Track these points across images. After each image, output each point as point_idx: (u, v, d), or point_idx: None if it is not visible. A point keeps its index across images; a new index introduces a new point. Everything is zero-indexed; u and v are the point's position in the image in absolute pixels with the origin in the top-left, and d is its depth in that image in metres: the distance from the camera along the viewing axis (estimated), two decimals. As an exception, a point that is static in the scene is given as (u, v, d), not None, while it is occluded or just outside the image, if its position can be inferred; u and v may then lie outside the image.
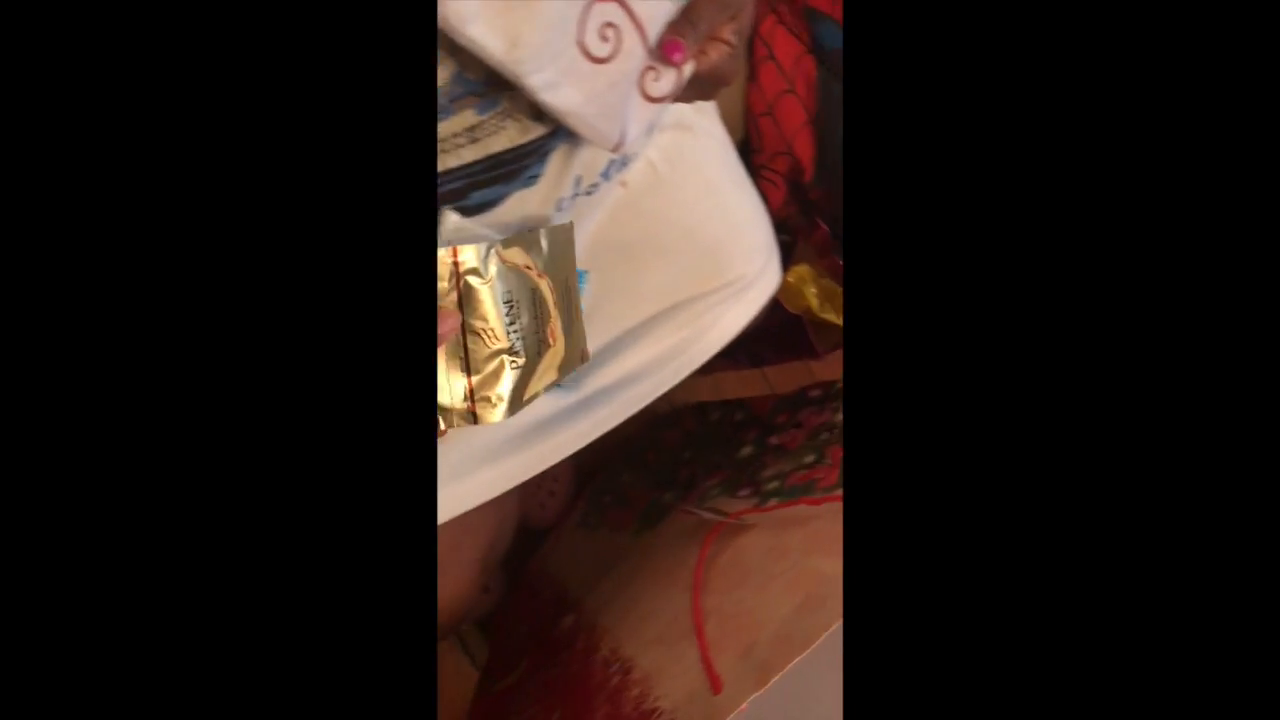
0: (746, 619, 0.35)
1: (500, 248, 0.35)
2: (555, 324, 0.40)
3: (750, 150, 0.64)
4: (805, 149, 0.61)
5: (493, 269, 0.34)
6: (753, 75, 0.59)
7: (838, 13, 0.55)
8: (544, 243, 0.38)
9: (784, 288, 0.66)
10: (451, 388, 0.34)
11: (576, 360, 0.42)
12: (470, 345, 0.35)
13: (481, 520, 0.42)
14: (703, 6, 0.33)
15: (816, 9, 0.56)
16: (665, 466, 0.74)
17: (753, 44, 0.58)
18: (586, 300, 0.45)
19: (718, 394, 0.84)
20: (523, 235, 0.37)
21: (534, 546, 0.81)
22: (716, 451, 0.67)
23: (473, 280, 0.33)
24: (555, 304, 0.40)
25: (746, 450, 0.63)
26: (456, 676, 0.75)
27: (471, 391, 0.35)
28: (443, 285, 0.33)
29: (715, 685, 0.31)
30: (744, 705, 0.29)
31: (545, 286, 0.39)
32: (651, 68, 0.33)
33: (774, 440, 0.61)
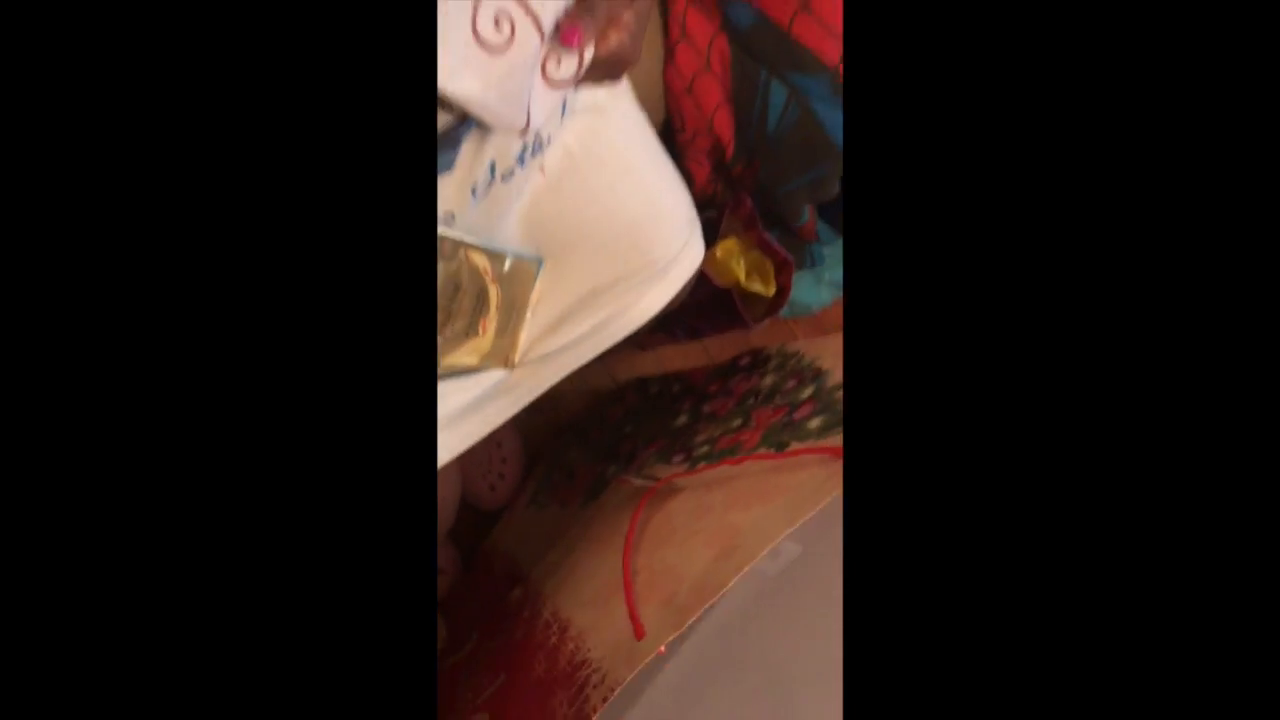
0: (669, 573, 0.38)
1: (468, 248, 0.42)
2: (490, 322, 0.45)
3: (673, 130, 0.65)
4: (725, 126, 0.63)
5: (458, 256, 0.41)
6: (669, 56, 0.60)
7: (746, -7, 0.57)
8: (507, 264, 0.44)
9: (713, 262, 0.68)
10: None
11: (499, 361, 0.46)
12: None
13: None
14: None
15: (727, -11, 0.57)
16: (608, 441, 0.76)
17: (667, 26, 0.60)
18: (539, 289, 0.48)
19: (660, 368, 0.87)
20: (492, 249, 0.43)
21: (487, 528, 0.83)
22: (655, 423, 0.69)
23: (440, 264, 0.40)
24: (496, 308, 0.44)
25: (682, 419, 0.65)
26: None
27: None
28: None
29: (638, 632, 0.33)
30: (662, 648, 0.31)
31: (493, 292, 0.44)
32: (552, 53, 0.35)
33: (707, 408, 0.64)
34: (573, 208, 0.48)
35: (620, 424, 0.77)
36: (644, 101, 0.55)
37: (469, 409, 0.46)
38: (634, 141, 0.51)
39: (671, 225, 0.52)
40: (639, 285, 0.51)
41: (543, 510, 0.76)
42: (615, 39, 0.37)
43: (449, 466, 0.46)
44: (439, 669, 0.61)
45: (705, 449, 0.54)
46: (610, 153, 0.49)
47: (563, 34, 0.34)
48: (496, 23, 0.30)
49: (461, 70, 0.31)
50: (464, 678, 0.50)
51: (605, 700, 0.30)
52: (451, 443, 0.45)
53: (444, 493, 0.47)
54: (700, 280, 0.65)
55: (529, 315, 0.49)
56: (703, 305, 0.71)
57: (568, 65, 0.36)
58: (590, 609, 0.40)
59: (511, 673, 0.42)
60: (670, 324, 0.88)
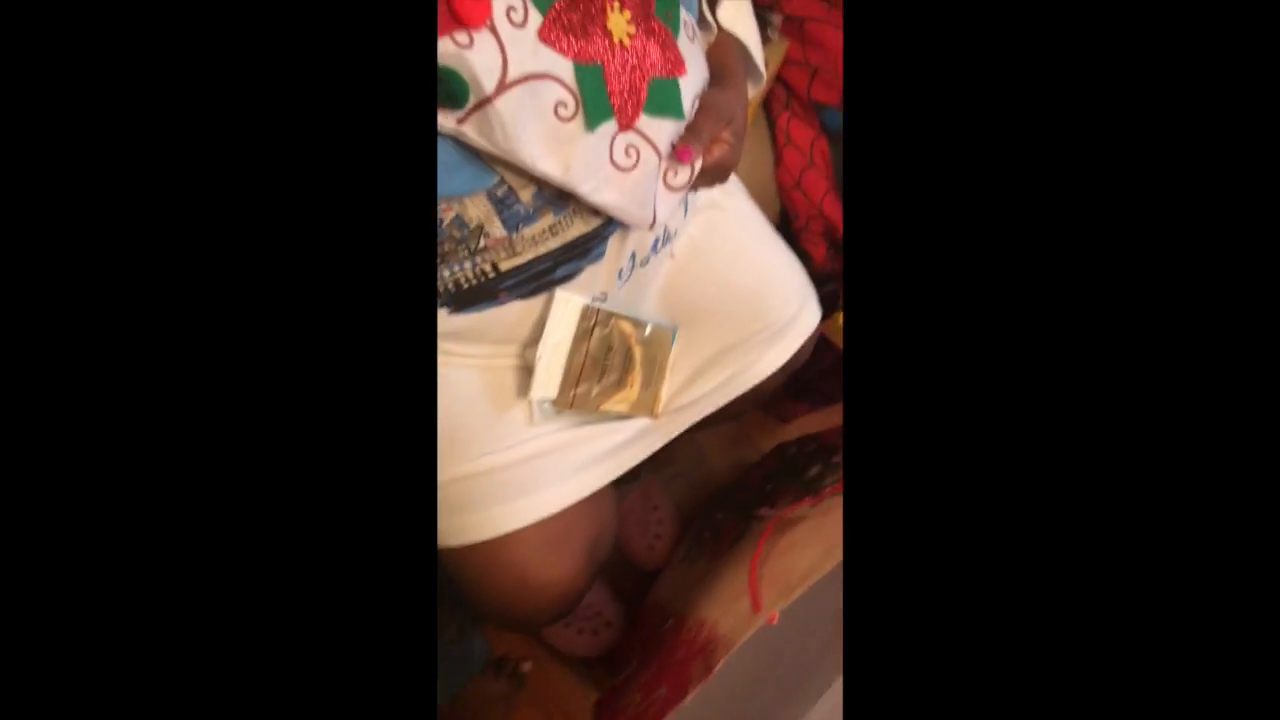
0: (786, 570, 0.44)
1: (617, 317, 0.55)
2: (636, 376, 0.56)
3: (789, 219, 0.76)
4: (834, 210, 0.72)
5: (610, 324, 0.54)
6: (778, 159, 0.72)
7: (836, 99, 0.68)
8: (647, 330, 0.57)
9: (836, 329, 0.76)
10: (547, 381, 0.52)
11: (645, 410, 0.57)
12: (575, 363, 0.52)
13: (583, 517, 0.54)
14: (703, 119, 0.47)
15: (820, 101, 0.69)
16: (751, 499, 0.82)
17: (774, 135, 0.72)
18: (675, 352, 0.59)
19: (800, 434, 0.93)
20: (635, 318, 0.56)
21: (649, 586, 0.91)
22: (791, 478, 0.75)
23: (596, 330, 0.53)
24: (640, 365, 0.56)
25: (814, 470, 0.71)
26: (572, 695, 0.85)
27: (572, 388, 0.53)
28: (585, 324, 0.52)
29: (755, 606, 0.39)
30: (774, 615, 0.38)
31: (638, 352, 0.57)
32: (671, 167, 0.48)
33: (835, 459, 0.69)
34: (699, 284, 0.60)
35: (761, 484, 0.83)
36: (760, 199, 0.67)
37: (619, 447, 0.57)
38: (747, 228, 0.63)
39: (784, 294, 0.62)
40: (759, 345, 0.60)
41: (693, 565, 0.83)
42: (718, 151, 0.49)
43: (604, 492, 0.57)
44: (603, 689, 0.68)
45: (831, 487, 0.60)
46: (727, 238, 0.61)
47: (678, 153, 0.47)
48: (626, 151, 0.44)
49: (603, 188, 0.44)
50: (626, 691, 0.57)
51: (727, 653, 0.36)
52: (605, 473, 0.55)
53: (601, 518, 0.57)
54: (827, 347, 0.72)
55: (668, 374, 0.59)
56: (829, 371, 0.78)
57: (683, 174, 0.48)
58: (722, 605, 0.46)
59: (667, 681, 0.49)
60: (808, 393, 0.94)
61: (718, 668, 0.37)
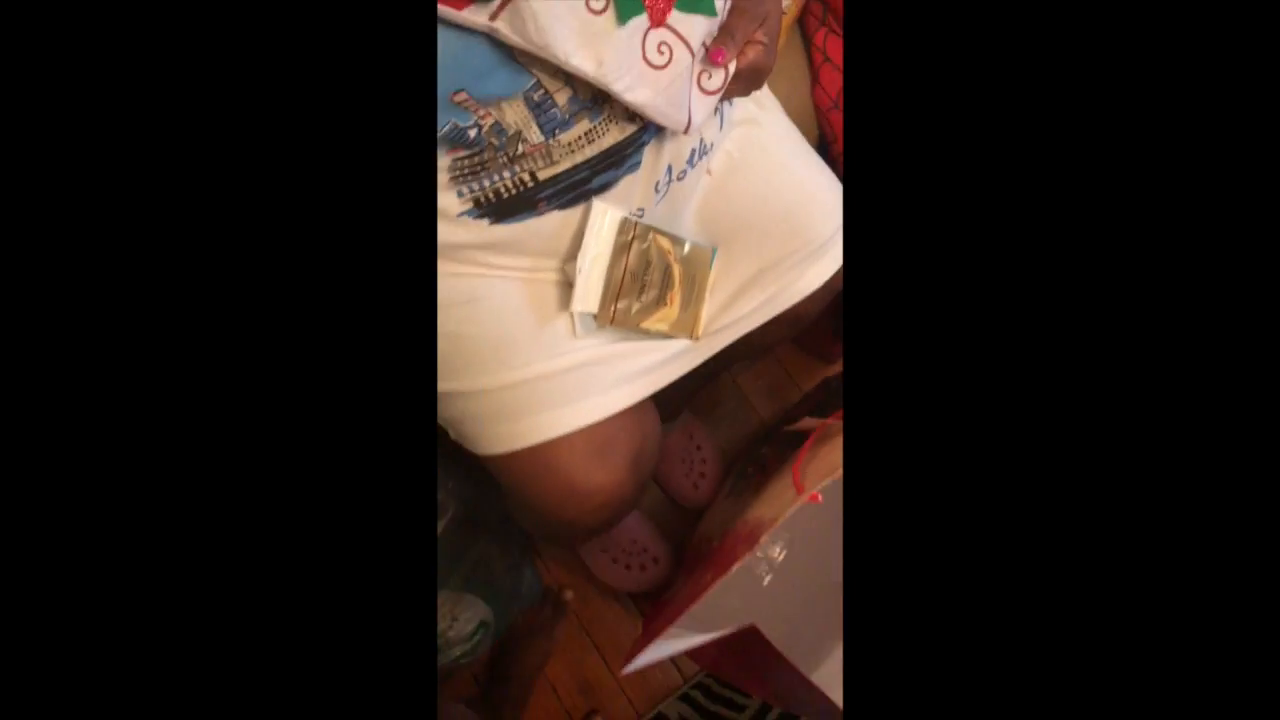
0: (826, 461, 0.44)
1: (655, 232, 0.55)
2: (676, 294, 0.57)
3: (827, 142, 0.75)
4: (874, 130, 0.71)
5: (648, 239, 0.54)
6: (815, 79, 0.71)
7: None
8: (686, 247, 0.57)
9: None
10: (588, 295, 0.52)
11: (685, 332, 0.58)
12: (615, 278, 0.53)
13: (627, 428, 0.55)
14: (736, 20, 0.47)
15: (857, 14, 0.67)
16: (795, 435, 0.83)
17: (810, 54, 0.70)
18: (715, 272, 0.59)
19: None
20: (672, 235, 0.56)
21: (694, 523, 0.92)
22: (837, 400, 0.75)
23: (635, 244, 0.53)
24: (679, 283, 0.56)
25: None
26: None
27: (612, 304, 0.53)
28: (623, 238, 0.53)
29: (798, 488, 0.40)
30: (816, 494, 0.38)
31: (677, 270, 0.56)
32: (704, 69, 0.47)
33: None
34: (736, 201, 0.59)
35: (807, 415, 0.83)
36: (798, 122, 0.66)
37: (659, 364, 0.58)
38: (784, 144, 0.62)
39: (824, 211, 0.61)
40: (800, 264, 0.60)
41: (739, 498, 0.83)
42: (752, 53, 0.48)
43: (647, 407, 0.57)
44: (651, 604, 0.69)
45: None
46: (764, 154, 0.60)
47: (710, 54, 0.46)
48: (659, 49, 0.44)
49: (637, 85, 0.44)
50: (673, 595, 0.58)
51: (773, 524, 0.36)
52: (646, 386, 0.56)
53: (644, 429, 0.58)
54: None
55: (708, 295, 0.60)
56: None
57: (717, 77, 0.48)
58: (766, 503, 0.47)
59: (712, 569, 0.50)
60: (850, 330, 0.93)
61: (762, 539, 0.38)
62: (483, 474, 0.82)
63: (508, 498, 0.60)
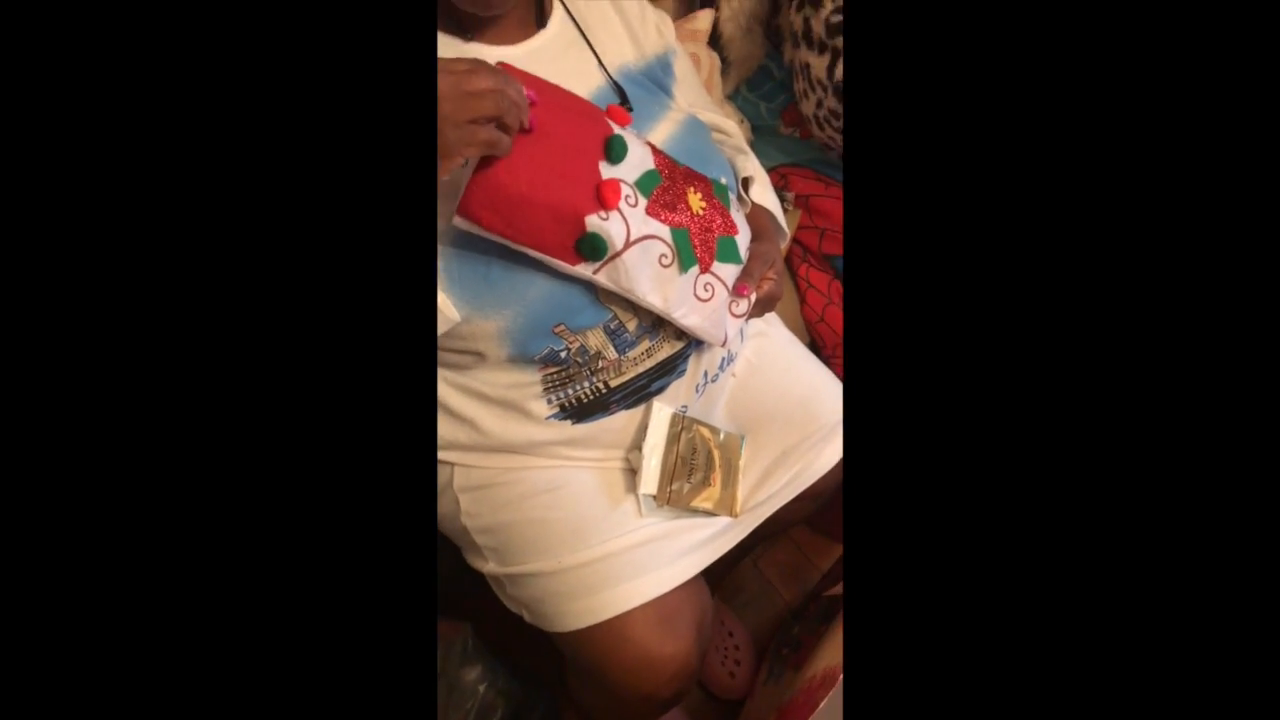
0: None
1: (698, 423, 0.67)
2: (717, 475, 0.67)
3: (818, 349, 0.91)
4: (855, 337, 0.87)
5: (693, 430, 0.65)
6: (802, 300, 0.88)
7: (842, 250, 0.86)
8: (721, 435, 0.68)
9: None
10: (649, 479, 0.61)
11: (726, 509, 0.67)
12: (669, 463, 0.61)
13: (690, 598, 0.61)
14: (753, 264, 0.63)
15: (829, 253, 0.87)
16: (823, 609, 0.87)
17: (796, 283, 0.89)
18: (745, 457, 0.69)
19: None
20: (710, 424, 0.68)
21: (734, 715, 0.92)
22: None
23: (683, 434, 0.63)
24: (719, 466, 0.66)
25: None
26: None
27: (668, 485, 0.60)
28: (674, 430, 0.63)
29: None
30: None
31: (716, 455, 0.67)
32: (734, 299, 0.63)
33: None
34: (758, 396, 0.72)
35: (835, 597, 0.89)
36: (794, 332, 0.82)
37: (709, 539, 0.65)
38: (790, 348, 0.77)
39: (830, 399, 0.74)
40: (817, 444, 0.71)
41: (779, 681, 0.85)
42: (766, 286, 0.64)
43: (701, 580, 0.64)
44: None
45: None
46: (776, 357, 0.74)
47: (738, 289, 0.62)
48: (705, 287, 0.59)
49: (691, 314, 0.58)
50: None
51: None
52: (703, 559, 0.63)
53: (704, 600, 0.64)
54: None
55: (741, 475, 0.70)
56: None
57: (743, 305, 0.63)
58: (826, 656, 0.51)
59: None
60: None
61: (841, 677, 0.42)
62: (528, 673, 0.83)
63: (579, 681, 0.63)
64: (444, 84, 0.42)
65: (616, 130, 0.55)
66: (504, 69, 0.52)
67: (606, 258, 0.53)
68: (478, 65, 0.44)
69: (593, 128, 0.54)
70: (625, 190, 0.53)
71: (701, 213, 0.59)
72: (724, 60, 0.83)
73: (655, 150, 0.58)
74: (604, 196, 0.51)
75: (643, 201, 0.55)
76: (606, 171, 0.53)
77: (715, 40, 0.82)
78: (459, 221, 0.50)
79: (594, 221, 0.52)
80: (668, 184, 0.57)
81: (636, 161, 0.55)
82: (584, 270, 0.53)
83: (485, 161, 0.48)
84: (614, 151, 0.53)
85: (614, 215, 0.52)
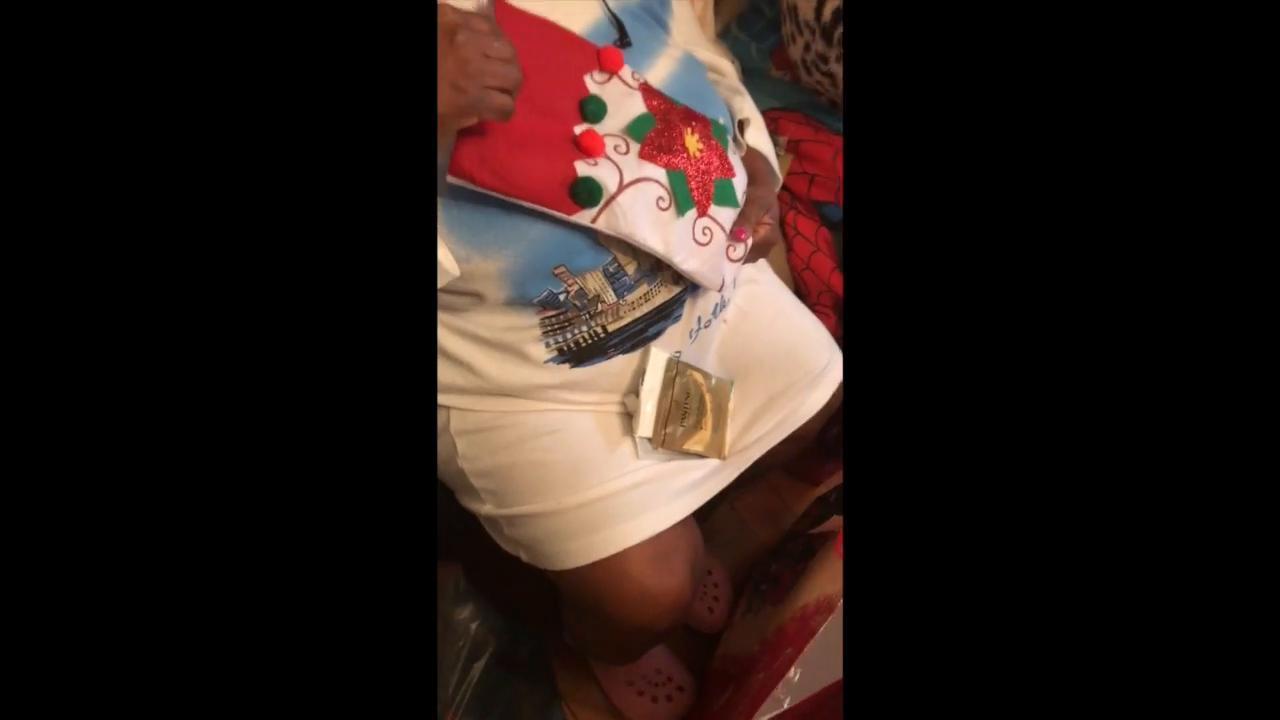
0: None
1: (691, 368, 0.67)
2: (708, 419, 0.68)
3: (802, 295, 0.92)
4: (839, 285, 0.88)
5: (686, 374, 0.65)
6: (789, 247, 0.89)
7: (831, 197, 0.86)
8: (712, 380, 0.69)
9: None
10: (645, 423, 0.62)
11: (716, 452, 0.68)
12: (664, 407, 0.62)
13: (684, 536, 0.63)
14: (750, 208, 0.63)
15: (818, 200, 0.87)
16: (802, 547, 0.91)
17: (784, 229, 0.89)
18: (734, 401, 0.71)
19: (832, 485, 1.03)
20: (702, 369, 0.68)
21: (712, 648, 0.96)
22: (838, 511, 0.85)
23: (677, 379, 0.64)
24: (710, 410, 0.67)
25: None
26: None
27: (662, 429, 0.61)
28: (669, 374, 0.63)
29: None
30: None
31: (708, 399, 0.67)
32: (730, 244, 0.63)
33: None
34: (748, 342, 0.73)
35: (816, 520, 0.92)
36: (779, 278, 0.83)
37: (700, 481, 0.67)
38: (779, 297, 0.77)
39: (816, 346, 0.75)
40: (802, 390, 0.73)
41: (758, 614, 0.89)
42: (762, 231, 0.64)
43: (690, 518, 0.66)
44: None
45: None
46: (766, 304, 0.75)
47: (735, 233, 0.62)
48: (703, 231, 0.59)
49: (690, 258, 0.58)
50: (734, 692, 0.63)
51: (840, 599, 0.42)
52: (696, 499, 0.65)
53: (694, 539, 0.66)
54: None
55: (729, 420, 0.71)
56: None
57: (739, 249, 0.63)
58: (817, 586, 0.54)
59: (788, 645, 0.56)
60: (834, 453, 1.05)
61: (840, 605, 0.45)
62: (518, 611, 0.85)
63: (576, 616, 0.65)
64: (470, 42, 0.42)
65: (593, 90, 0.54)
66: (499, 6, 0.49)
67: (602, 202, 0.52)
68: (497, 30, 0.45)
69: (578, 76, 0.54)
70: (612, 141, 0.53)
71: (698, 155, 0.58)
72: (716, -3, 0.81)
73: (649, 92, 0.57)
74: (586, 146, 0.52)
75: (634, 146, 0.54)
76: (583, 129, 0.53)
77: (709, -25, 0.80)
78: (452, 180, 0.49)
79: (583, 168, 0.51)
80: (662, 126, 0.56)
81: (622, 114, 0.55)
82: (582, 218, 0.52)
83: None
84: (591, 113, 0.53)
85: (603, 161, 0.52)
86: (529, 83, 0.49)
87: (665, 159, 0.56)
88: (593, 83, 0.54)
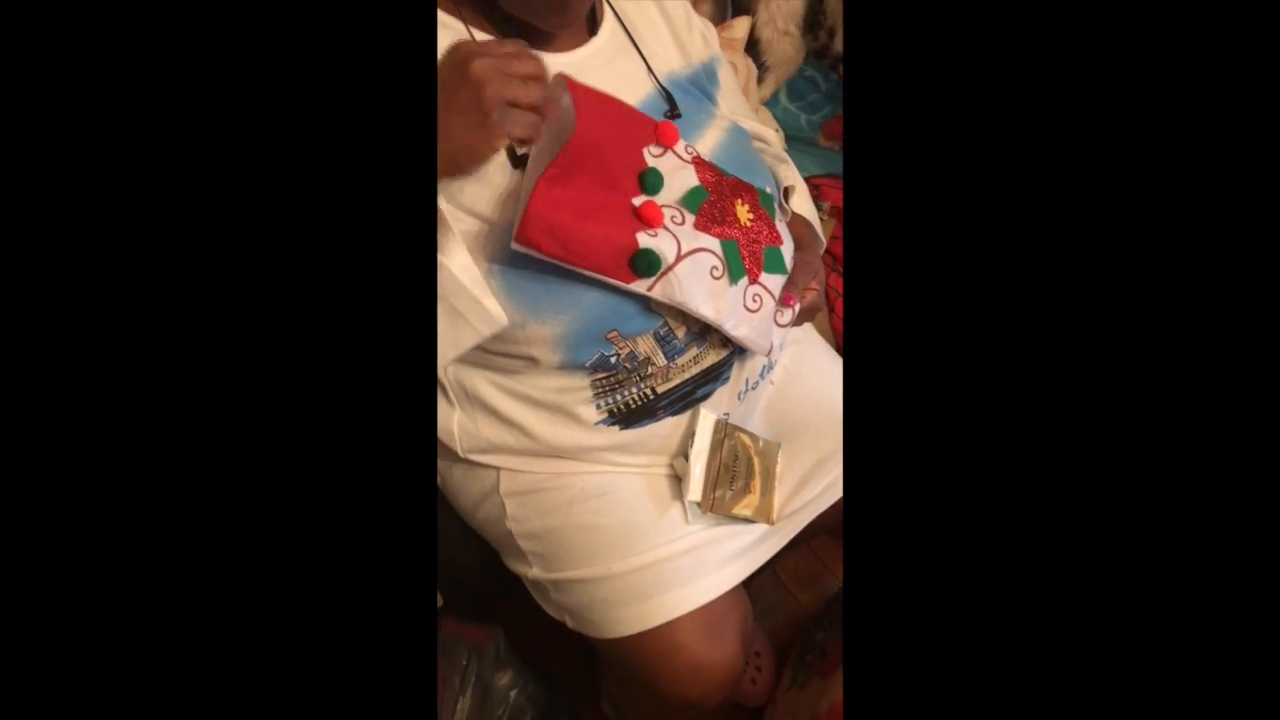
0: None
1: (739, 430, 0.66)
2: (756, 483, 0.67)
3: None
4: (883, 346, 0.88)
5: (735, 436, 0.65)
6: (831, 309, 0.89)
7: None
8: (760, 443, 0.68)
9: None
10: (695, 486, 0.61)
11: (764, 518, 0.67)
12: (712, 470, 0.62)
13: (734, 605, 0.61)
14: (797, 274, 0.63)
15: (861, 263, 0.88)
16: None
17: (826, 293, 0.90)
18: (781, 464, 0.70)
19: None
20: (750, 432, 0.68)
21: (755, 722, 0.92)
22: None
23: (725, 441, 0.63)
24: (759, 474, 0.66)
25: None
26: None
27: (711, 492, 0.60)
28: (717, 436, 0.63)
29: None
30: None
31: (756, 462, 0.67)
32: (779, 309, 0.63)
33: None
34: (795, 404, 0.72)
35: (856, 597, 0.89)
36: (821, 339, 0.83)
37: (750, 547, 0.66)
38: (823, 358, 0.77)
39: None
40: (851, 454, 0.72)
41: (805, 687, 0.86)
42: (809, 297, 0.65)
43: (739, 589, 0.64)
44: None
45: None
46: (812, 365, 0.75)
47: (783, 299, 0.62)
48: (754, 298, 0.59)
49: (740, 324, 0.59)
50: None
51: None
52: (746, 566, 0.64)
53: (746, 607, 0.64)
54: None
55: (778, 483, 0.70)
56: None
57: (787, 314, 0.64)
58: None
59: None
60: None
61: None
62: (556, 679, 0.83)
63: (621, 687, 0.63)
64: (488, 64, 0.42)
65: (650, 163, 0.56)
66: (570, 83, 0.52)
67: (660, 273, 0.53)
68: (522, 50, 0.44)
69: (638, 149, 0.55)
70: (669, 212, 0.54)
71: (749, 224, 0.59)
72: (761, 66, 0.84)
73: (702, 165, 0.59)
74: (646, 218, 0.53)
75: (690, 217, 0.56)
76: (641, 201, 0.54)
77: (751, 47, 0.83)
78: (516, 246, 0.50)
79: (644, 239, 0.52)
80: (715, 198, 0.58)
81: (677, 186, 0.56)
82: (639, 286, 0.54)
83: (540, 187, 0.49)
84: (649, 185, 0.55)
85: (662, 232, 0.53)
86: (597, 154, 0.51)
87: (719, 229, 0.57)
88: (650, 156, 0.56)
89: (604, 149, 0.52)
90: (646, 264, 0.53)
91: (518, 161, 0.54)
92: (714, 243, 0.56)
